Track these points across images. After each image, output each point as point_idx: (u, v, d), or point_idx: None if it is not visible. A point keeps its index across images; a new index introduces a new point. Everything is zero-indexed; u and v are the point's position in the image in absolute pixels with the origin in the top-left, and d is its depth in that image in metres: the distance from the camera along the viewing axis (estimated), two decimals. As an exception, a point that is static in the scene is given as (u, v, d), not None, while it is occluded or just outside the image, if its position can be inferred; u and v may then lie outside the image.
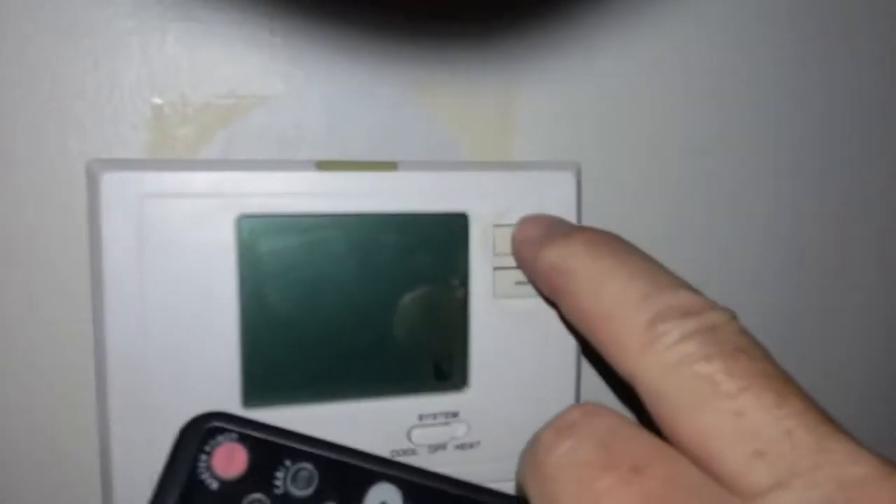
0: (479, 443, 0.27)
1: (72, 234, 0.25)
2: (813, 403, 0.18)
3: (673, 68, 0.32)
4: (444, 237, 0.26)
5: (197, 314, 0.24)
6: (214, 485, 0.20)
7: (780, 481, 0.17)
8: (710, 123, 0.32)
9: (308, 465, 0.21)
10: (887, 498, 0.16)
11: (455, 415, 0.27)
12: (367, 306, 0.26)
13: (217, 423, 0.20)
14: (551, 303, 0.25)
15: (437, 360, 0.27)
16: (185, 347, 0.24)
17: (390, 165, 0.26)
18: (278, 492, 0.20)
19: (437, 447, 0.27)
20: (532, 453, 0.20)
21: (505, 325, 0.27)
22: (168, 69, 0.26)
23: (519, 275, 0.26)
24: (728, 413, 0.18)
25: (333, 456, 0.21)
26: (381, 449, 0.26)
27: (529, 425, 0.26)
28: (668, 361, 0.19)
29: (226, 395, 0.25)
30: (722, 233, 0.33)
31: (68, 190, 0.25)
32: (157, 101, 0.26)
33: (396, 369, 0.26)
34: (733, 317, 0.20)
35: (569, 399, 0.27)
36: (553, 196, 0.27)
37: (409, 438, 0.26)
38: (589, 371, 0.29)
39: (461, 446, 0.27)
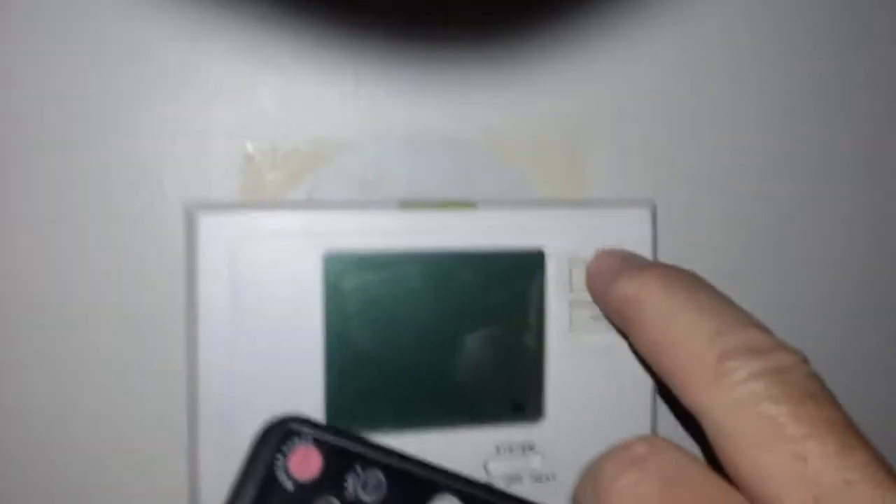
0: (554, 475, 0.27)
1: (169, 270, 0.27)
2: (878, 457, 0.19)
3: (746, 97, 0.32)
4: (521, 273, 0.27)
5: (285, 345, 0.26)
6: (289, 485, 0.21)
7: None
8: (787, 157, 0.33)
9: (377, 473, 0.21)
10: None
11: (531, 447, 0.27)
12: (446, 339, 0.27)
13: (294, 426, 0.21)
14: (624, 335, 0.26)
15: (513, 392, 0.27)
16: (272, 376, 0.26)
17: (468, 205, 0.27)
18: (349, 496, 0.21)
19: (513, 479, 0.27)
20: (595, 480, 0.20)
21: (580, 358, 0.27)
22: (259, 118, 0.28)
23: (594, 309, 0.27)
24: (791, 456, 0.18)
25: (402, 465, 0.22)
26: (460, 479, 0.27)
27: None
28: (735, 398, 0.19)
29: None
30: (798, 268, 0.33)
31: (167, 230, 0.27)
32: (249, 148, 0.28)
33: (474, 401, 0.27)
34: (804, 360, 0.21)
35: (644, 432, 0.28)
36: (628, 233, 0.27)
37: (486, 470, 0.27)
38: (664, 405, 0.29)
39: (537, 478, 0.27)
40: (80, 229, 0.27)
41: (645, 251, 0.27)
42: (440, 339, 0.27)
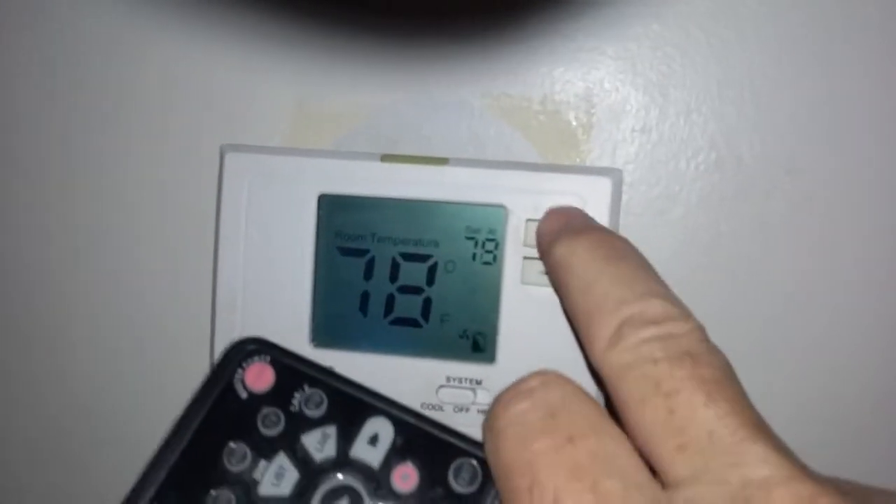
0: (500, 411, 0.30)
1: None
2: (744, 408, 0.20)
3: (758, 77, 0.32)
4: (484, 225, 0.30)
5: (282, 269, 0.31)
6: (244, 394, 0.24)
7: (695, 474, 0.19)
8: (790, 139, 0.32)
9: (321, 392, 0.24)
10: (782, 499, 0.18)
11: (479, 382, 0.30)
12: (417, 278, 0.31)
13: (254, 346, 0.25)
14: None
15: (471, 333, 0.31)
16: (272, 293, 0.31)
17: (442, 161, 0.30)
18: (293, 409, 0.24)
19: (460, 408, 0.31)
20: (491, 409, 0.23)
21: (531, 309, 0.30)
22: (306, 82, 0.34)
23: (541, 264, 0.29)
24: (663, 410, 0.20)
25: (343, 388, 0.25)
26: (413, 400, 0.31)
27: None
28: (624, 361, 0.21)
29: (298, 334, 0.31)
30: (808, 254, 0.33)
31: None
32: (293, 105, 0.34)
33: (435, 336, 0.31)
34: (697, 328, 0.22)
35: (588, 383, 0.30)
36: (588, 199, 0.29)
37: (437, 395, 0.31)
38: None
39: (483, 411, 0.30)
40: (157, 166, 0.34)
41: (602, 217, 0.29)
42: (411, 277, 0.31)
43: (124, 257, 0.36)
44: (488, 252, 0.30)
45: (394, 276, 0.31)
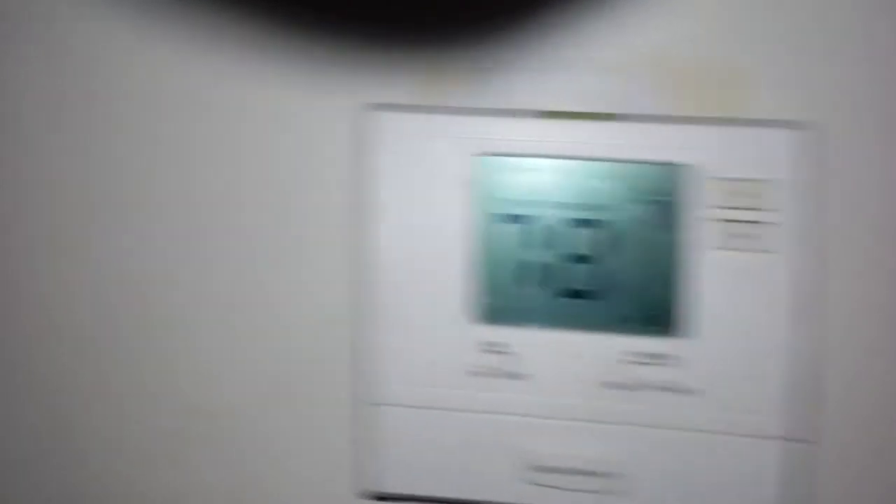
0: (691, 390, 0.27)
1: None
2: None
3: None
4: (662, 186, 0.27)
5: (438, 235, 0.29)
6: None
7: None
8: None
9: None
10: None
11: (663, 358, 0.28)
12: (584, 245, 0.28)
13: None
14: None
15: (651, 304, 0.28)
16: (422, 267, 0.29)
17: (609, 116, 0.28)
18: None
19: (644, 386, 0.28)
20: None
21: (719, 276, 0.27)
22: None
23: (733, 227, 0.27)
24: None
25: None
26: (593, 379, 0.28)
27: (745, 377, 0.27)
28: None
29: (453, 309, 0.29)
30: None
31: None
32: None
33: (612, 308, 0.28)
34: None
35: (779, 354, 0.27)
36: (778, 155, 0.27)
37: (614, 373, 0.28)
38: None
39: (668, 389, 0.27)
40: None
41: (783, 173, 0.27)
42: (577, 245, 0.28)
43: (242, 244, 0.33)
44: (666, 215, 0.27)
45: (558, 244, 0.28)
